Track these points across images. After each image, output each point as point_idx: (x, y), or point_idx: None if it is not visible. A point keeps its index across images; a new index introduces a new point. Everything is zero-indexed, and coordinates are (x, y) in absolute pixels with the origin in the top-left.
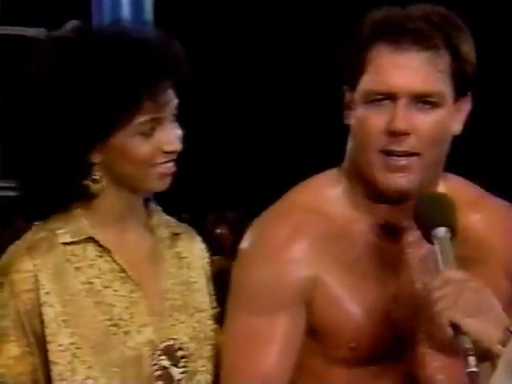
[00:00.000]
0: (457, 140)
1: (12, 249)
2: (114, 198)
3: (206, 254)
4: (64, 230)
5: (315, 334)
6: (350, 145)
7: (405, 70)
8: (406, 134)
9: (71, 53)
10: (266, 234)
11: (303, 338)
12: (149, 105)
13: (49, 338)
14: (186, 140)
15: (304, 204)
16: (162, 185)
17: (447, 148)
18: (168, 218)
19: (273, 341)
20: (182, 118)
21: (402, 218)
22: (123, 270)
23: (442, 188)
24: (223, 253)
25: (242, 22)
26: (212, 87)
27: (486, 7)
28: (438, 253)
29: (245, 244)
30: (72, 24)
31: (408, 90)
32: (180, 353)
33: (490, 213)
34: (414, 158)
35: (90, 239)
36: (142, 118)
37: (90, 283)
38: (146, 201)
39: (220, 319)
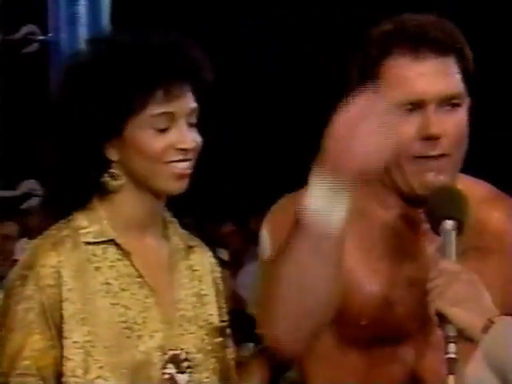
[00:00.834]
0: None
1: (37, 243)
2: (134, 199)
3: (217, 268)
4: (87, 230)
5: None
6: None
7: (428, 77)
8: (438, 137)
9: (90, 50)
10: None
11: None
12: (161, 96)
13: (65, 334)
14: None
15: None
16: (178, 186)
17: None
18: (182, 230)
19: None
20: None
21: (420, 211)
22: (140, 276)
23: (460, 185)
24: None
25: (205, 23)
26: None
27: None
28: (442, 244)
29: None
30: (28, 28)
31: (436, 95)
32: (186, 363)
33: (509, 211)
34: (445, 160)
35: (111, 241)
36: (154, 110)
37: (108, 284)
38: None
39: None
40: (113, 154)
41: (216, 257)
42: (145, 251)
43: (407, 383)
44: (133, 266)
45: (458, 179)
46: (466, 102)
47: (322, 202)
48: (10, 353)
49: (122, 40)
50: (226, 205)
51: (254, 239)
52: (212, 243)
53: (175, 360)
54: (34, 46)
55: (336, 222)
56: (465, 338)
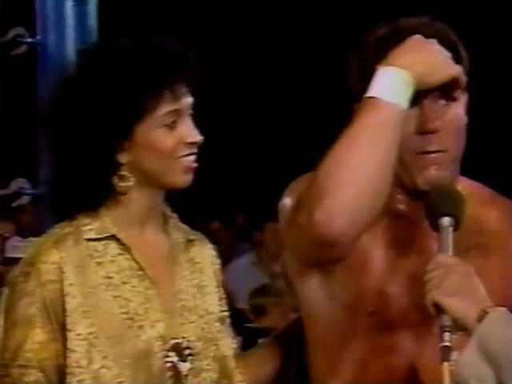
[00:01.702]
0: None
1: (39, 241)
2: (140, 197)
3: (217, 261)
4: (89, 227)
5: (338, 300)
6: None
7: None
8: (435, 132)
9: (94, 56)
10: None
11: (325, 308)
12: (168, 96)
13: (69, 327)
14: None
15: None
16: (185, 180)
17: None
18: (182, 225)
19: None
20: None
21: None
22: (141, 269)
23: (461, 186)
24: None
25: (196, 23)
26: None
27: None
28: (440, 240)
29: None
30: (16, 31)
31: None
32: (187, 351)
33: (507, 211)
34: (444, 154)
35: (112, 237)
36: (163, 110)
37: (110, 278)
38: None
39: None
40: (123, 157)
41: None
42: (145, 245)
43: (407, 373)
44: (133, 259)
45: (457, 180)
46: (462, 98)
47: (393, 86)
48: (12, 345)
49: (124, 44)
50: (213, 202)
51: (241, 235)
52: None
53: (177, 348)
54: (23, 48)
55: (405, 105)
56: (459, 327)
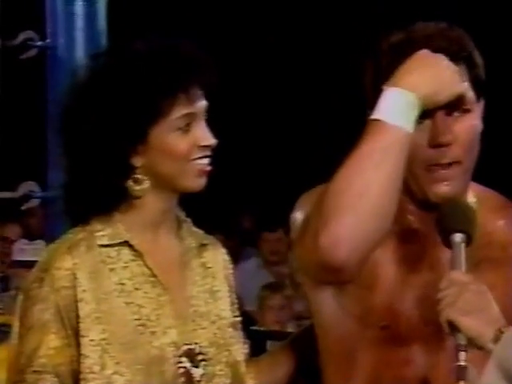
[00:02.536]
0: None
1: (53, 247)
2: (154, 201)
3: (230, 265)
4: (102, 233)
5: (349, 313)
6: None
7: None
8: (448, 144)
9: (108, 60)
10: None
11: (337, 319)
12: (183, 99)
13: (82, 333)
14: None
15: None
16: (198, 183)
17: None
18: (196, 229)
19: None
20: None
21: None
22: (153, 275)
23: (471, 195)
24: None
25: (204, 25)
26: None
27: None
28: (452, 256)
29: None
30: (26, 34)
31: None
32: (200, 356)
33: None
34: (456, 167)
35: (125, 243)
36: (178, 113)
37: (122, 284)
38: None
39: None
40: (137, 161)
41: None
42: (158, 251)
43: None
44: (146, 265)
45: (469, 187)
46: (476, 109)
47: (399, 108)
48: (27, 351)
49: (138, 48)
50: (219, 208)
51: (248, 240)
52: None
53: (190, 354)
54: (33, 52)
55: (410, 128)
56: (475, 346)
